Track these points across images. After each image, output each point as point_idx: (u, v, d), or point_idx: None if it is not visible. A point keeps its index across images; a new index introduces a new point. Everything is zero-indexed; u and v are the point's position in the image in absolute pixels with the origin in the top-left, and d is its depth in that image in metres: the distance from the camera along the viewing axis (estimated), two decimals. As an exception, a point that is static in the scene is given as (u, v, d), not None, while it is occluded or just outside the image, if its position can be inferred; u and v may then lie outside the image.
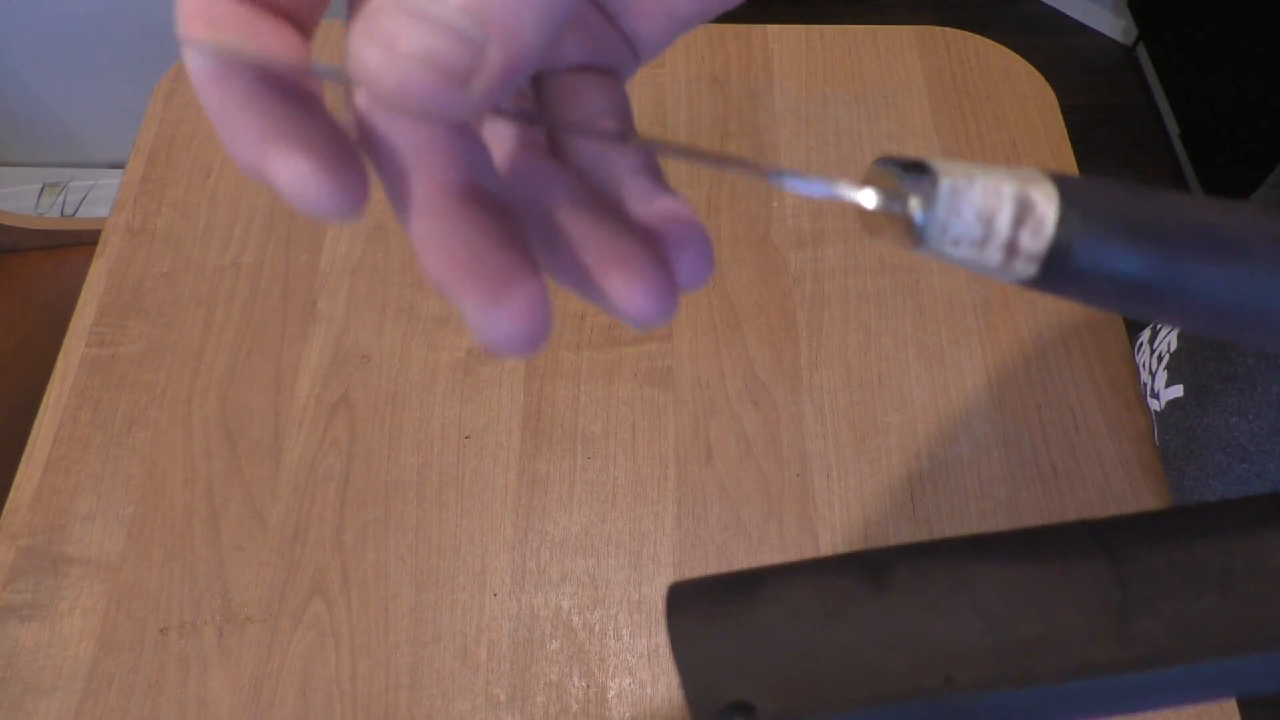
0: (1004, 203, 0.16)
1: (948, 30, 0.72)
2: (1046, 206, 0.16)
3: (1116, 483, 0.53)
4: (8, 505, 0.51)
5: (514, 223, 0.18)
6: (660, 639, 0.48)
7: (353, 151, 0.17)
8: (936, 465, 0.53)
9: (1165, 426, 0.52)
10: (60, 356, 0.56)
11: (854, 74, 0.69)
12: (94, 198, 1.42)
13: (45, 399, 0.54)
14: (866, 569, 0.19)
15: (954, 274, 0.60)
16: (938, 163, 0.16)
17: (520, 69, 0.15)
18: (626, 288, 0.17)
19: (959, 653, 0.18)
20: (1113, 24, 1.87)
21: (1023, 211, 0.16)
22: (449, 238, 0.17)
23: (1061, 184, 0.16)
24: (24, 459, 0.52)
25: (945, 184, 0.16)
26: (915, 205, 0.16)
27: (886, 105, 0.68)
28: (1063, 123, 0.67)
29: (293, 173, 0.16)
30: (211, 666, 0.47)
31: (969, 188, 0.16)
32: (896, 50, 0.71)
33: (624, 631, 0.48)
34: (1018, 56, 0.71)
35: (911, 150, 0.65)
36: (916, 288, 0.60)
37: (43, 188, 1.42)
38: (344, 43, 0.16)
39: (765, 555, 0.50)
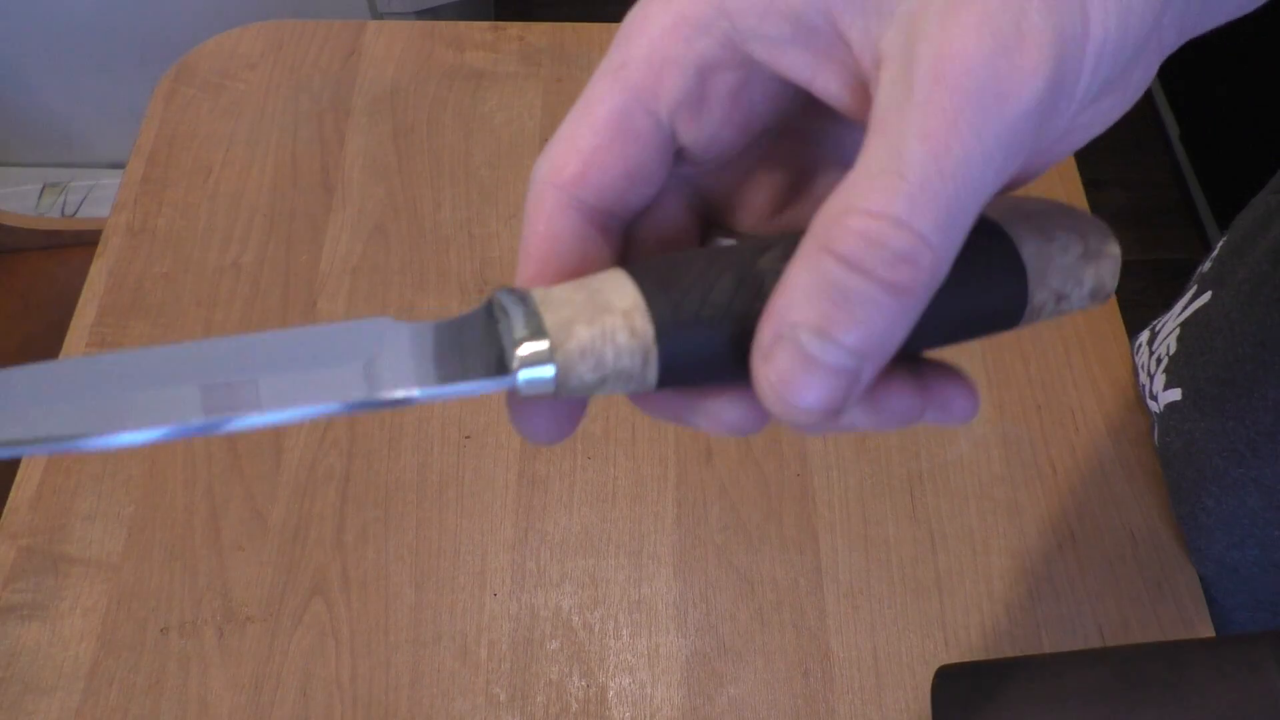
0: (607, 342, 0.19)
1: (948, 30, 0.72)
2: (643, 325, 0.19)
3: (1116, 483, 0.53)
4: (8, 505, 0.51)
5: None
6: (660, 638, 0.48)
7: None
8: (936, 465, 0.53)
9: (1165, 429, 0.52)
10: (61, 356, 0.56)
11: (854, 74, 0.69)
12: (94, 198, 1.42)
13: (46, 399, 0.54)
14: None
15: (954, 274, 0.60)
16: (543, 306, 0.19)
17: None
18: (963, 399, 0.21)
19: None
20: (1113, 24, 1.87)
21: (618, 348, 0.19)
22: None
23: (648, 297, 0.19)
24: (25, 459, 0.52)
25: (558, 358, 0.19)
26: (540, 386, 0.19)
27: (886, 105, 0.68)
28: (1062, 123, 0.67)
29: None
30: (212, 666, 0.47)
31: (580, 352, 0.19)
32: (896, 50, 0.71)
33: (624, 631, 0.48)
34: (1017, 57, 0.71)
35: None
36: (916, 288, 0.60)
37: (43, 188, 1.42)
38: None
39: (765, 555, 0.50)
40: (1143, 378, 0.54)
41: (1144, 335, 0.56)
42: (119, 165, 1.42)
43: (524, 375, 0.18)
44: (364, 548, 0.50)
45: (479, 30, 0.70)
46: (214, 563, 0.50)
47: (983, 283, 0.20)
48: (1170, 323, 0.53)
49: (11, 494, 0.51)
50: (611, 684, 0.47)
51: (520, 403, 0.20)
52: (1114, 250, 0.21)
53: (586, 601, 0.49)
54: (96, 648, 0.47)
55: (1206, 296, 0.50)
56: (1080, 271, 0.21)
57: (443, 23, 0.71)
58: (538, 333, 0.18)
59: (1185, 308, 0.52)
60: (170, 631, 0.48)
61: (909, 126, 0.16)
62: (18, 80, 1.31)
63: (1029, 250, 0.20)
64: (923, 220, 0.16)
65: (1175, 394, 0.51)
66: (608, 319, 0.18)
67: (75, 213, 1.41)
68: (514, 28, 0.70)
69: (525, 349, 0.18)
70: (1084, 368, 0.56)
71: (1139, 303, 1.47)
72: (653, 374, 0.19)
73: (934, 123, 0.16)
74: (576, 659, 0.48)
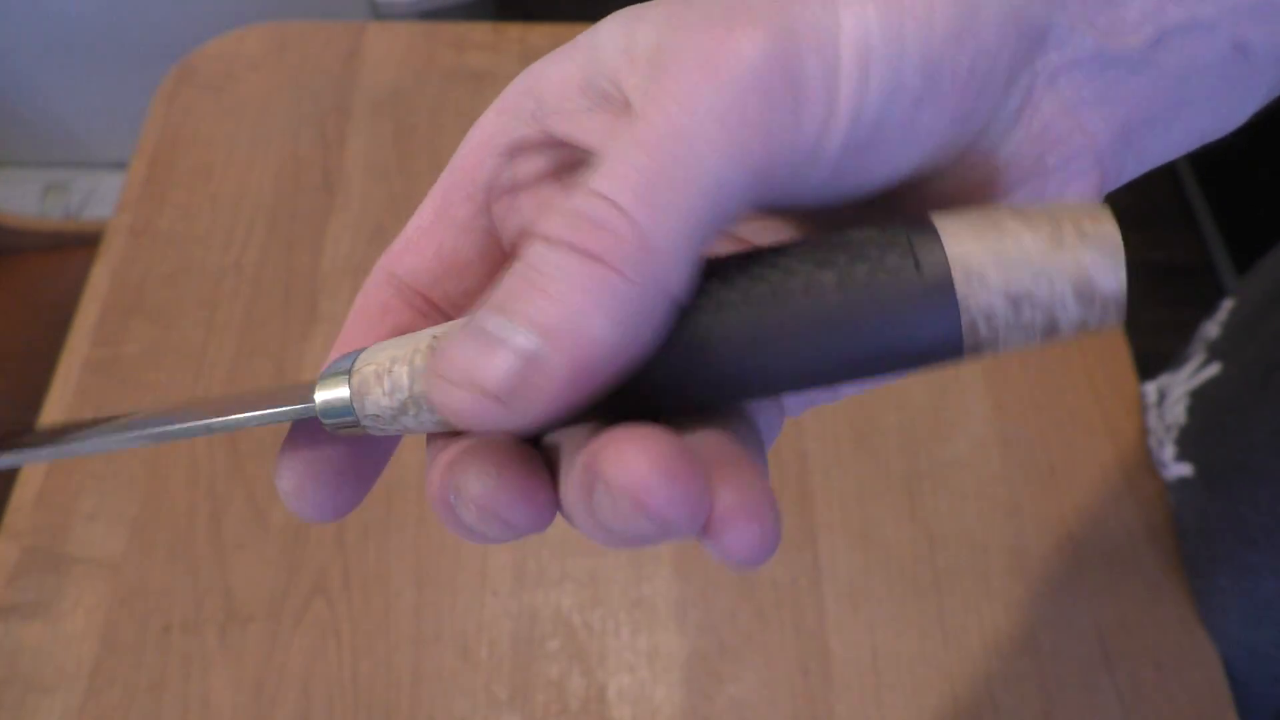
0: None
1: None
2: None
3: (1114, 482, 0.53)
4: (11, 504, 0.51)
5: None
6: (659, 638, 0.48)
7: (354, 470, 0.20)
8: (935, 465, 0.53)
9: (1178, 500, 0.51)
10: (63, 357, 0.56)
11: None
12: (97, 198, 1.42)
13: (48, 399, 0.54)
14: None
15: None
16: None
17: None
18: (744, 533, 0.15)
19: None
20: (1114, 24, 1.87)
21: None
22: None
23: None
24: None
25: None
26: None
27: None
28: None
29: (284, 481, 0.19)
30: (214, 665, 0.47)
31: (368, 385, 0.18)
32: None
33: (624, 630, 0.49)
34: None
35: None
36: (916, 288, 0.60)
37: (46, 188, 1.42)
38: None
39: (765, 555, 0.50)
40: (1151, 441, 0.54)
41: (1150, 392, 0.55)
42: (122, 166, 1.42)
43: (320, 395, 0.18)
44: (365, 547, 0.50)
45: (480, 31, 0.70)
46: (216, 562, 0.50)
47: (886, 289, 0.16)
48: (1178, 388, 0.53)
49: (15, 493, 0.52)
50: (611, 683, 0.47)
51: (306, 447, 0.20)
52: (1103, 230, 0.15)
53: (586, 600, 0.49)
54: (98, 647, 0.47)
55: (1215, 368, 0.50)
56: (1050, 265, 0.15)
57: (443, 24, 0.71)
58: (346, 362, 0.19)
59: (1193, 375, 0.52)
60: (172, 631, 0.48)
61: (623, 126, 0.16)
62: (20, 81, 1.31)
63: (961, 241, 0.16)
64: (619, 189, 0.15)
65: (1186, 469, 0.50)
66: (413, 343, 0.18)
67: (78, 214, 1.41)
68: (514, 29, 0.70)
69: (326, 371, 0.18)
70: (1083, 367, 0.56)
71: (1135, 305, 1.47)
72: None
73: (642, 107, 0.16)
74: (576, 658, 0.48)
